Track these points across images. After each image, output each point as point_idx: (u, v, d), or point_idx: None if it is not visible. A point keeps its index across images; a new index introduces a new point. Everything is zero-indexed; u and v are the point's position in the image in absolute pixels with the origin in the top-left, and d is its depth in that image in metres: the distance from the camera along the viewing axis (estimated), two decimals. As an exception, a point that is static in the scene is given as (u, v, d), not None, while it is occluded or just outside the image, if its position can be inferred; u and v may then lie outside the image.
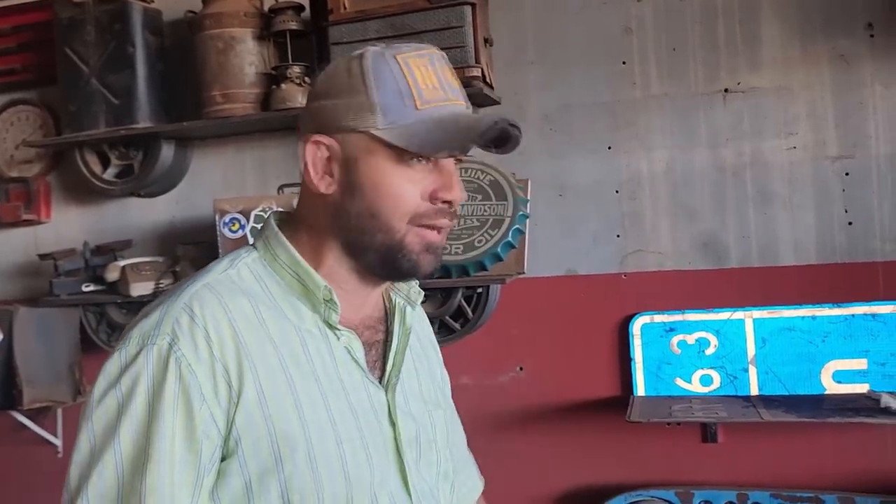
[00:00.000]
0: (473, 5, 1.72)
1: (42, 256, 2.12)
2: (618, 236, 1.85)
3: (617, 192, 1.85)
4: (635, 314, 1.82)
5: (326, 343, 0.87)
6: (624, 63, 1.84)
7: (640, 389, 1.80)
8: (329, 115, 0.86)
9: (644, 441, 1.80)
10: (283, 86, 1.85)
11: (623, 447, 1.82)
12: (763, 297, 1.75)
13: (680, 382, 1.78)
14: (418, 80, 0.84)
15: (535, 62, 1.89)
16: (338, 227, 0.88)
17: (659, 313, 1.80)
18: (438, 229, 0.87)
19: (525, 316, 1.90)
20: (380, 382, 0.91)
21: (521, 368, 1.90)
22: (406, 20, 1.74)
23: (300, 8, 1.90)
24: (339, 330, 0.88)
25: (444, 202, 0.85)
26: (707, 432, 1.77)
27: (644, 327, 1.81)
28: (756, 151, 1.77)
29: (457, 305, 1.82)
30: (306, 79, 1.87)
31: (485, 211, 1.78)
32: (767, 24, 1.77)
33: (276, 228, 0.92)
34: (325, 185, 0.87)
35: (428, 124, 0.82)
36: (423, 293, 1.04)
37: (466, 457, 1.11)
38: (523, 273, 1.79)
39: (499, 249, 1.73)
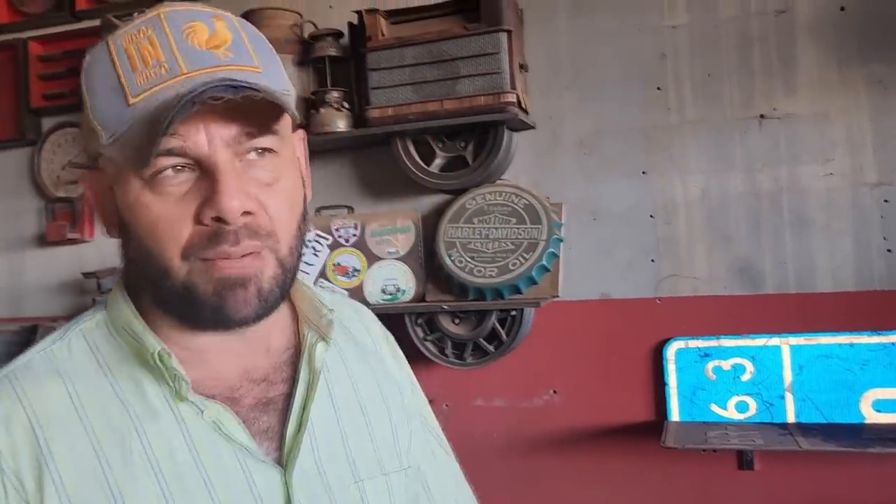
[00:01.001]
0: (509, 32, 1.75)
1: (86, 275, 2.17)
2: (652, 261, 1.85)
3: (652, 216, 1.85)
4: (670, 339, 1.81)
5: (179, 424, 0.66)
6: (659, 88, 1.85)
7: (674, 415, 1.79)
8: (84, 138, 0.69)
9: (679, 467, 1.79)
10: (321, 110, 1.89)
11: (657, 473, 1.81)
12: (800, 324, 1.74)
13: (715, 408, 1.77)
14: (131, 64, 0.63)
15: (569, 87, 1.91)
16: (133, 277, 0.70)
17: (694, 338, 1.79)
18: (227, 257, 0.64)
19: (559, 339, 1.90)
20: (278, 457, 0.69)
21: (554, 392, 1.90)
22: (443, 47, 1.77)
23: (339, 35, 1.94)
24: (194, 401, 0.67)
25: (215, 219, 0.63)
26: (743, 460, 1.75)
27: (679, 352, 1.80)
28: (793, 177, 1.76)
29: (490, 328, 1.83)
30: (344, 104, 1.91)
31: (519, 234, 1.79)
32: (803, 50, 1.76)
33: (120, 279, 0.73)
34: (106, 229, 0.70)
35: (138, 123, 0.61)
36: (360, 317, 0.84)
37: None
38: (557, 296, 1.80)
39: (533, 273, 1.75)
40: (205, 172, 0.63)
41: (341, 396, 0.76)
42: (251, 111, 0.63)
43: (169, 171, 0.63)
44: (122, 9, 2.15)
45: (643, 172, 1.86)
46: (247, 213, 0.64)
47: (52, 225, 2.27)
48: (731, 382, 1.76)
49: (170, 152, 0.62)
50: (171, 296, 0.65)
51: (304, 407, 0.71)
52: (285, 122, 0.69)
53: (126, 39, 0.64)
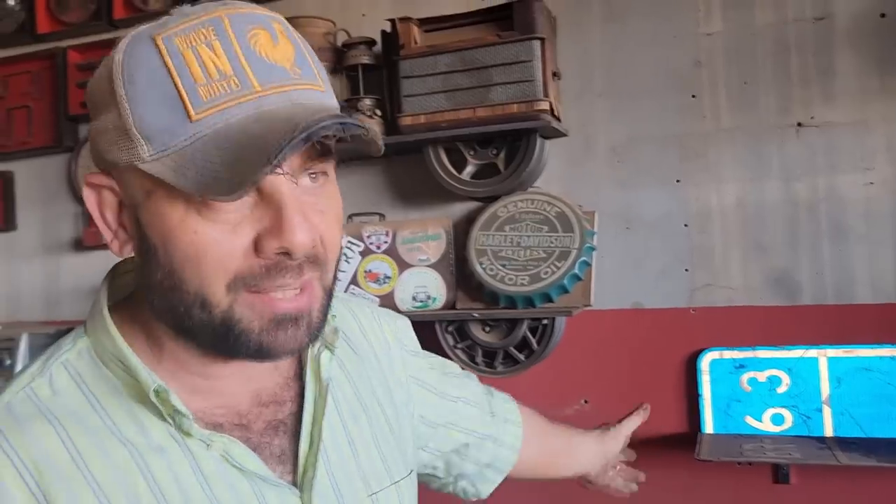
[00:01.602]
0: (543, 39, 1.74)
1: (121, 280, 2.20)
2: (686, 270, 1.83)
3: (686, 225, 1.83)
4: (704, 350, 1.79)
5: (189, 457, 0.62)
6: (694, 96, 1.83)
7: (708, 427, 1.76)
8: (99, 144, 0.61)
9: (713, 480, 1.76)
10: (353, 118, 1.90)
11: (690, 485, 1.78)
12: (838, 336, 1.70)
13: (750, 421, 1.74)
14: (192, 71, 0.55)
15: (603, 95, 1.90)
16: (151, 302, 0.62)
17: (728, 349, 1.77)
18: (283, 290, 0.59)
19: (590, 349, 1.88)
20: (293, 478, 0.67)
21: (585, 401, 1.88)
22: (476, 55, 1.77)
23: (372, 43, 1.95)
24: (200, 436, 0.62)
25: (279, 253, 0.57)
26: (779, 473, 1.72)
27: (713, 363, 1.77)
28: (831, 186, 1.73)
29: (521, 337, 1.83)
30: (377, 111, 1.92)
31: (551, 242, 1.78)
32: (842, 57, 1.73)
33: (104, 300, 0.66)
34: (118, 246, 0.63)
35: (206, 144, 0.55)
36: (353, 313, 0.82)
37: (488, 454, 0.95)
38: (589, 305, 1.78)
39: (565, 281, 1.73)
40: (268, 201, 0.57)
41: (346, 407, 0.74)
42: (326, 144, 0.59)
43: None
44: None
45: (677, 181, 1.84)
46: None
47: (88, 230, 2.31)
48: (766, 394, 1.73)
49: None
50: (204, 327, 0.59)
51: (314, 423, 0.69)
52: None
53: (182, 42, 0.56)
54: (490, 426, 0.98)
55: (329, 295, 0.65)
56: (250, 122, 0.55)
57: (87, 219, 2.34)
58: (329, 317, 0.70)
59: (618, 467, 1.26)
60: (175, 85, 0.55)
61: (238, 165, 0.53)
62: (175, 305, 0.59)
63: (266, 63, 0.57)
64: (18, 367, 2.12)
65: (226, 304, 0.58)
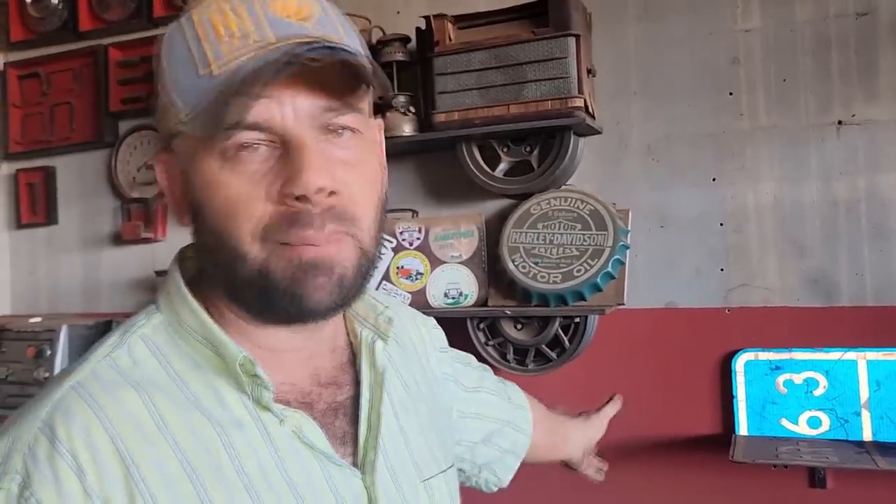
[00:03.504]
0: (578, 36, 1.73)
1: (158, 273, 2.24)
2: (721, 270, 1.80)
3: (721, 224, 1.80)
4: (739, 350, 1.76)
5: (263, 433, 0.63)
6: (731, 94, 1.80)
7: (742, 428, 1.74)
8: (160, 120, 0.66)
9: (747, 483, 1.74)
10: (387, 114, 1.91)
11: (724, 487, 1.76)
12: (878, 339, 1.67)
13: (786, 423, 1.71)
14: (216, 33, 0.59)
15: (638, 92, 1.88)
16: (207, 271, 0.66)
17: (764, 350, 1.74)
18: (311, 244, 0.60)
19: (623, 348, 1.87)
20: (353, 460, 0.68)
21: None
22: (510, 51, 1.76)
23: (406, 40, 1.96)
24: (275, 411, 0.64)
25: (296, 198, 0.59)
26: (815, 477, 1.69)
27: (748, 364, 1.75)
28: (872, 186, 1.70)
29: (553, 334, 1.82)
30: (410, 108, 1.92)
31: (584, 241, 1.77)
32: (885, 54, 1.70)
33: (179, 278, 0.68)
34: (182, 216, 0.66)
35: (221, 92, 0.58)
36: (415, 316, 0.88)
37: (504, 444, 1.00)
38: (623, 304, 1.77)
39: (598, 279, 1.72)
40: (287, 149, 0.59)
41: (396, 397, 0.75)
42: (337, 86, 0.60)
43: (251, 147, 0.59)
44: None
45: (713, 179, 1.81)
46: (332, 192, 0.60)
47: (127, 224, 2.35)
48: (803, 397, 1.71)
49: (252, 126, 0.59)
50: (245, 284, 0.61)
51: (371, 408, 0.71)
52: (368, 103, 0.66)
53: (213, 10, 0.60)
54: (508, 412, 1.03)
55: (369, 258, 0.65)
56: (243, 70, 0.57)
57: (126, 213, 2.38)
58: (382, 307, 0.75)
59: (591, 456, 1.32)
60: (201, 45, 0.59)
61: (236, 98, 0.57)
62: (221, 265, 0.62)
63: (285, 21, 0.59)
64: (59, 357, 2.17)
65: (261, 257, 0.60)
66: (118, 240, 2.42)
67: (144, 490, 0.57)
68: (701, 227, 1.82)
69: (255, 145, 0.60)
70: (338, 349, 0.73)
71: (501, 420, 1.01)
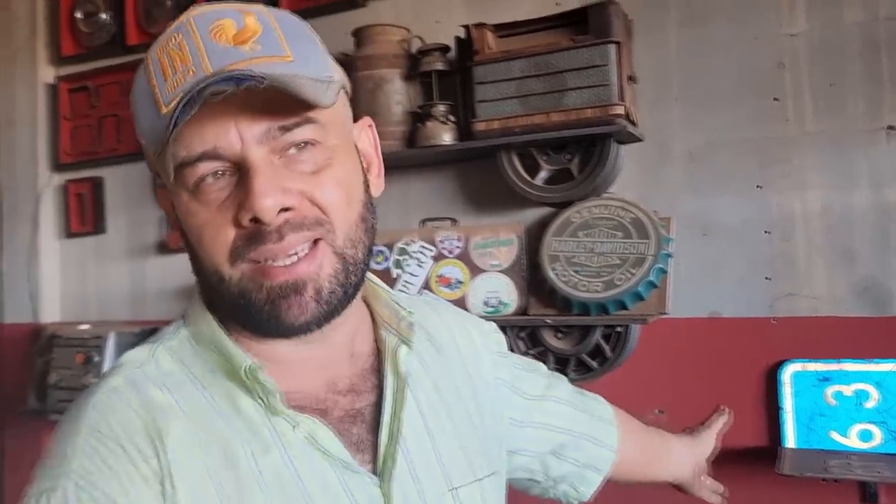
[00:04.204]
0: (618, 43, 1.72)
1: (202, 281, 2.28)
2: (767, 279, 1.77)
3: (767, 232, 1.77)
4: (785, 361, 1.72)
5: (276, 437, 0.65)
6: (776, 99, 1.77)
7: (790, 441, 1.70)
8: (145, 156, 0.69)
9: (794, 497, 1.70)
10: (427, 123, 1.92)
11: (770, 501, 1.72)
12: (932, 349, 1.62)
13: (835, 436, 1.67)
14: (164, 72, 0.61)
15: (680, 99, 1.86)
16: (204, 289, 0.70)
17: (812, 361, 1.70)
18: (270, 260, 0.62)
19: (666, 357, 1.84)
20: (373, 468, 0.68)
21: (660, 411, 1.84)
22: (550, 59, 1.76)
23: (446, 49, 1.97)
24: (287, 416, 0.65)
25: (251, 221, 0.61)
26: (866, 492, 1.64)
27: (795, 375, 1.71)
28: (925, 192, 1.65)
29: (594, 344, 1.80)
30: (450, 117, 1.93)
31: (626, 249, 1.75)
32: (938, 57, 1.65)
33: (199, 292, 0.71)
34: (176, 240, 0.71)
35: (164, 131, 0.60)
36: (437, 312, 0.84)
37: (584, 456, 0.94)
38: (665, 313, 1.75)
39: (640, 288, 1.70)
40: (242, 174, 0.62)
41: (426, 402, 0.74)
42: (283, 103, 0.61)
43: (209, 178, 0.62)
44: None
45: (758, 186, 1.78)
46: (285, 209, 0.62)
47: (171, 234, 2.40)
48: (853, 409, 1.66)
49: (203, 157, 0.61)
50: (231, 305, 0.65)
51: (394, 415, 0.70)
52: (331, 111, 0.65)
53: (159, 50, 0.63)
54: (585, 425, 0.96)
55: (348, 262, 0.66)
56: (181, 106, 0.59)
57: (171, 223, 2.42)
58: (404, 312, 0.74)
59: (705, 476, 1.22)
60: (152, 87, 0.61)
61: (167, 138, 0.59)
62: (211, 287, 0.66)
63: (222, 48, 0.60)
64: (106, 364, 2.22)
65: (236, 278, 0.64)
66: (163, 248, 2.46)
67: (178, 470, 0.61)
68: (745, 235, 1.79)
69: (217, 172, 0.62)
70: (359, 355, 0.73)
71: (576, 432, 0.95)
